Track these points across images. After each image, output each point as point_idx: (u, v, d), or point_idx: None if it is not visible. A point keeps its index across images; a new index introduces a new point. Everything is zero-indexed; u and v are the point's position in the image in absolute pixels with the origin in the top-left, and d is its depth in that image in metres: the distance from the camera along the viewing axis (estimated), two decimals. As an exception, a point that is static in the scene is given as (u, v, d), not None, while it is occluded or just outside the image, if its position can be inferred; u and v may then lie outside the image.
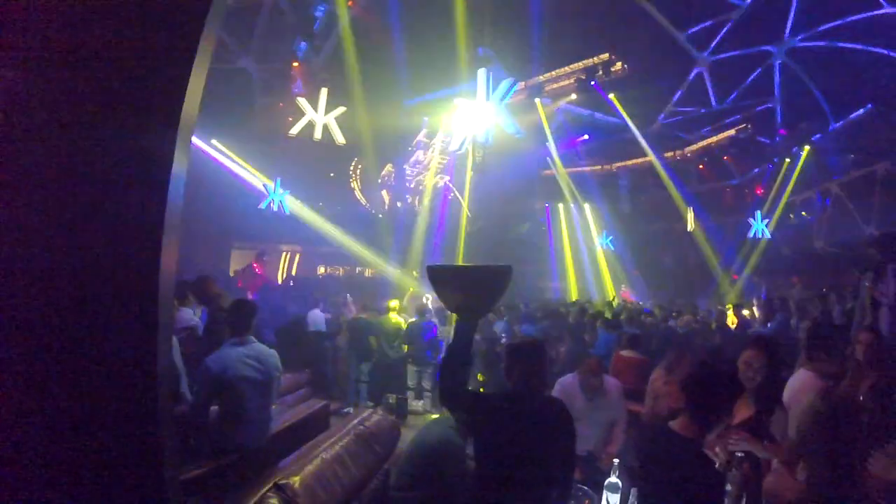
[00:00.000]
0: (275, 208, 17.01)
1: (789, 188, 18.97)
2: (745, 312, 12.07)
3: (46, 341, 2.39)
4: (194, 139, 14.51)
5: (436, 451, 3.95)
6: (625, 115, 18.89)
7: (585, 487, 3.58)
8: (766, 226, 19.52)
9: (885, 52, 14.96)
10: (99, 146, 2.52)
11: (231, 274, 16.04)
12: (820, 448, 2.23)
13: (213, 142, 15.63)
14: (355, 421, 4.38)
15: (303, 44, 15.80)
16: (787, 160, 18.86)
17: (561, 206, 23.96)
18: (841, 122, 17.19)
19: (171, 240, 2.55)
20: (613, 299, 16.53)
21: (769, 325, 10.04)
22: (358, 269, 21.08)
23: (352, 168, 19.72)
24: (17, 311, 2.44)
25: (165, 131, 2.59)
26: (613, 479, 3.42)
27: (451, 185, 20.00)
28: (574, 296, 19.87)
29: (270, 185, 16.57)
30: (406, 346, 9.38)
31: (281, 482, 3.20)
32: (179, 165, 2.60)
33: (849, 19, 14.96)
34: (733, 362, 3.40)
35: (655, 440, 2.79)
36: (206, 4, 2.65)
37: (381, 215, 19.56)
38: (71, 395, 2.41)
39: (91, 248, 2.44)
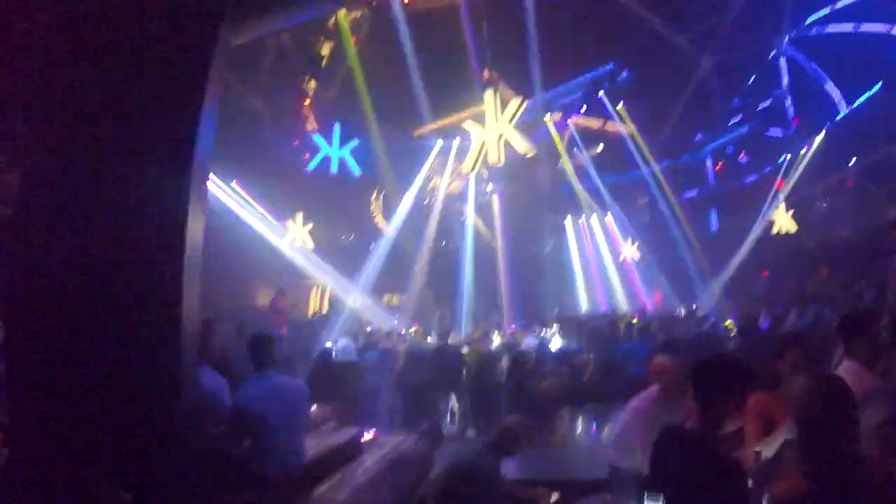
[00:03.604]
0: (298, 245, 17.26)
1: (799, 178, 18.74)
2: None
3: (76, 381, 2.48)
4: (218, 187, 14.91)
5: (469, 474, 3.95)
6: (628, 123, 18.82)
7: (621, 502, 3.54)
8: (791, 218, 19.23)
9: (888, 30, 14.76)
10: (120, 192, 2.63)
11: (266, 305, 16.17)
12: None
13: (234, 185, 15.96)
14: (386, 448, 4.40)
15: (312, 81, 16.14)
16: (802, 151, 18.59)
17: (581, 219, 23.86)
18: (852, 106, 16.91)
19: (192, 277, 2.63)
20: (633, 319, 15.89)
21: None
22: (385, 298, 21.14)
23: (373, 198, 19.86)
24: (51, 353, 2.54)
25: (179, 176, 2.69)
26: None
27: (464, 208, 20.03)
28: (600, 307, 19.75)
29: (292, 222, 16.89)
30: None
31: (315, 512, 3.23)
32: (196, 208, 2.69)
33: (844, 3, 14.88)
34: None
35: (665, 438, 2.63)
36: (210, 48, 2.78)
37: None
38: (97, 437, 2.49)
39: (117, 292, 2.53)
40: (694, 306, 16.23)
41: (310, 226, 17.40)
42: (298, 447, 4.19)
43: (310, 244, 17.30)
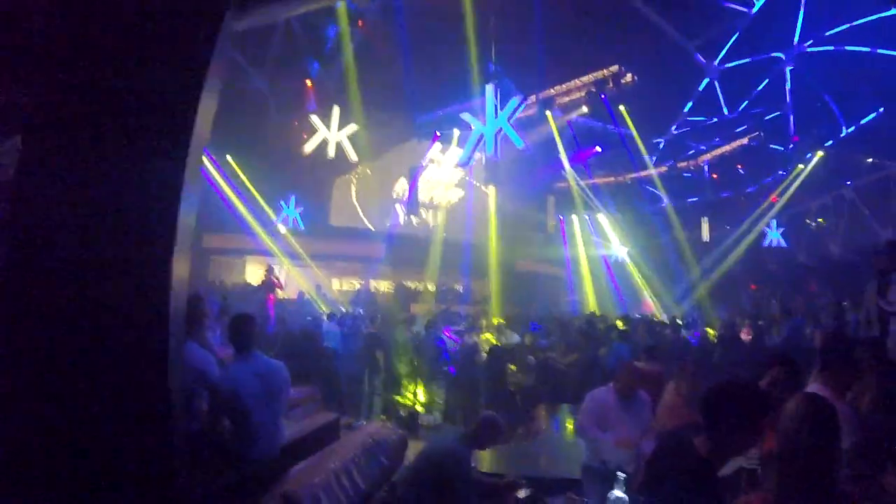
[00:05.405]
0: (290, 225, 17.29)
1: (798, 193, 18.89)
2: None
3: (61, 356, 2.51)
4: (211, 161, 14.87)
5: (442, 463, 4.02)
6: (629, 125, 18.83)
7: (587, 500, 3.58)
8: (782, 234, 19.40)
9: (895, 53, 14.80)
10: (114, 167, 2.65)
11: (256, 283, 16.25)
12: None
13: (228, 158, 15.93)
14: (364, 434, 4.46)
15: (315, 63, 16.07)
16: (801, 166, 18.69)
17: (575, 217, 23.87)
18: (853, 127, 16.99)
19: (182, 253, 2.65)
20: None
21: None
22: (373, 284, 21.22)
23: (353, 181, 19.78)
24: (37, 327, 2.56)
25: (175, 156, 2.72)
26: (619, 493, 3.40)
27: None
28: (591, 308, 19.79)
29: (285, 203, 16.91)
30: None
31: (288, 492, 3.28)
32: (191, 183, 2.71)
33: (857, 22, 14.86)
34: (757, 378, 3.10)
35: (671, 453, 2.53)
36: (215, 28, 2.79)
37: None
38: (82, 415, 2.51)
39: (106, 262, 2.56)
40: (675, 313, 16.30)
41: (300, 209, 17.45)
42: (277, 429, 4.24)
43: (300, 225, 17.36)
